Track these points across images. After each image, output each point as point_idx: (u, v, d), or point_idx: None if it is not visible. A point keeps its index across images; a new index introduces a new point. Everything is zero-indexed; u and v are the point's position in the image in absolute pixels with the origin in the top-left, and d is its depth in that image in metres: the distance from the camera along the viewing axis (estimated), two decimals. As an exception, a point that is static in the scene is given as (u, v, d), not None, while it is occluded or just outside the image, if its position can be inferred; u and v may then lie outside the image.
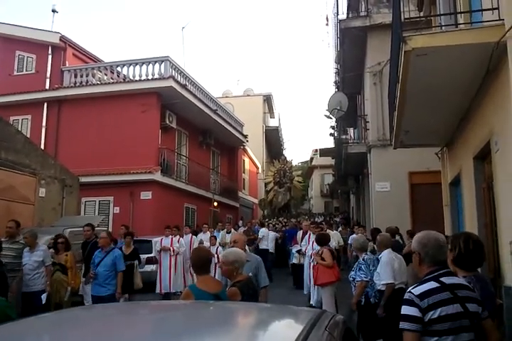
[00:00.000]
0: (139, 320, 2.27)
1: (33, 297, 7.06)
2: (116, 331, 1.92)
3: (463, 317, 2.51)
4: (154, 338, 1.78)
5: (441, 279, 2.59)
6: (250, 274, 4.60)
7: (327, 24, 21.51)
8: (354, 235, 11.61)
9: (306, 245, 10.28)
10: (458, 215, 8.41)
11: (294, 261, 11.86)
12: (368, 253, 6.61)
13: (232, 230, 13.56)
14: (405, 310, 2.53)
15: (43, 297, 7.12)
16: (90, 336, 1.84)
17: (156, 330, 1.89)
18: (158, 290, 10.74)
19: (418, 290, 2.56)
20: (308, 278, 9.60)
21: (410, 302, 2.52)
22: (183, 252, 11.26)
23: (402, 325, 2.51)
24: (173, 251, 10.97)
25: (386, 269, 5.81)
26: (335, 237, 11.72)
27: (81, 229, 10.03)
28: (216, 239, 12.12)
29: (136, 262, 9.36)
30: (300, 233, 11.82)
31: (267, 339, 1.87)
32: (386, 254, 6.00)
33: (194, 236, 12.32)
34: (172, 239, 11.13)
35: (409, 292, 2.58)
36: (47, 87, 17.68)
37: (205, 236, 12.56)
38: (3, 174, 10.30)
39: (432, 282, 2.58)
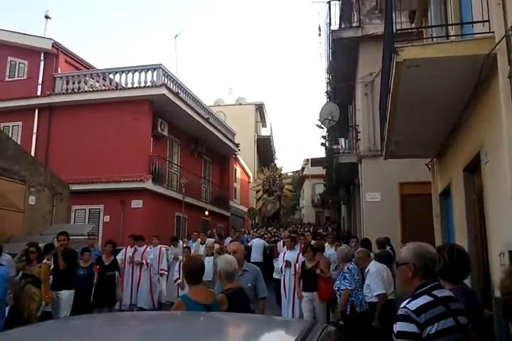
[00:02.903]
0: (129, 330, 2.24)
1: None
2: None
3: (456, 330, 2.47)
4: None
5: (434, 293, 2.54)
6: (249, 285, 4.57)
7: (319, 34, 21.65)
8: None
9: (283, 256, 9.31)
10: (448, 226, 8.43)
11: (276, 275, 10.40)
12: (353, 263, 6.61)
13: (207, 240, 12.57)
14: (403, 326, 2.42)
15: (6, 310, 6.65)
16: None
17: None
18: (117, 306, 9.66)
19: (413, 305, 2.47)
20: (283, 293, 8.77)
21: (407, 318, 2.42)
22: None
23: None
24: (147, 264, 10.35)
25: (376, 280, 5.80)
26: None
27: (71, 237, 9.95)
28: (190, 250, 10.95)
29: (116, 273, 9.09)
30: (281, 243, 11.33)
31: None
32: (373, 265, 6.00)
33: (164, 249, 11.41)
34: (136, 249, 10.40)
35: (405, 307, 2.48)
36: (39, 93, 17.61)
37: (177, 250, 11.32)
38: (-8, 181, 10.22)
39: (426, 296, 2.51)
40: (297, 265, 8.54)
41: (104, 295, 8.73)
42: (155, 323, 2.41)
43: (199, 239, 12.62)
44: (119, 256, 10.09)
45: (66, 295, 7.82)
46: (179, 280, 9.80)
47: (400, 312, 2.49)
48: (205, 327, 2.25)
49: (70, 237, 9.03)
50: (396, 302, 6.11)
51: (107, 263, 9.02)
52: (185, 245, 11.17)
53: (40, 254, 7.56)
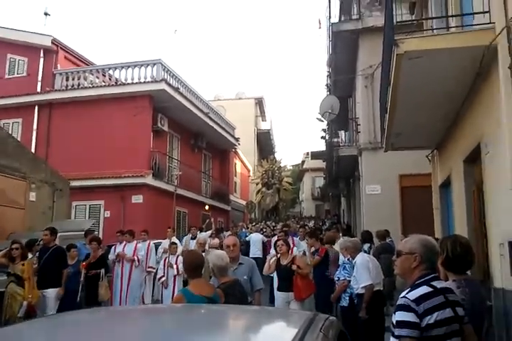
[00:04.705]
0: (129, 323, 2.24)
1: None
2: (108, 336, 1.90)
3: (454, 321, 2.47)
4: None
5: (433, 283, 2.56)
6: (245, 277, 4.60)
7: (320, 27, 21.57)
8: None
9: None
10: (448, 218, 8.44)
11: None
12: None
13: (202, 235, 11.80)
14: (402, 316, 2.42)
15: None
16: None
17: (147, 335, 1.87)
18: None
19: (413, 294, 2.48)
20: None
21: (407, 308, 2.42)
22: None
23: (399, 331, 2.39)
24: (138, 260, 9.40)
25: (362, 272, 5.81)
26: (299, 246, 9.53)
27: (72, 233, 9.88)
28: (177, 246, 9.84)
29: (101, 271, 8.37)
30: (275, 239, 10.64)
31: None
32: (359, 257, 6.02)
33: (152, 244, 10.19)
34: (126, 245, 9.53)
35: (404, 297, 2.49)
36: (38, 90, 17.55)
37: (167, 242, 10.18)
38: (-7, 177, 10.24)
39: (425, 286, 2.53)
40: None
41: (89, 294, 8.12)
42: (155, 316, 2.40)
43: (189, 234, 11.87)
44: (111, 256, 9.43)
45: (52, 294, 7.51)
46: (163, 278, 9.08)
47: (399, 301, 2.50)
48: (207, 319, 2.25)
49: (71, 233, 9.01)
50: (395, 293, 6.12)
51: (92, 261, 8.43)
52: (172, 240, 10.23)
53: (23, 252, 7.24)
